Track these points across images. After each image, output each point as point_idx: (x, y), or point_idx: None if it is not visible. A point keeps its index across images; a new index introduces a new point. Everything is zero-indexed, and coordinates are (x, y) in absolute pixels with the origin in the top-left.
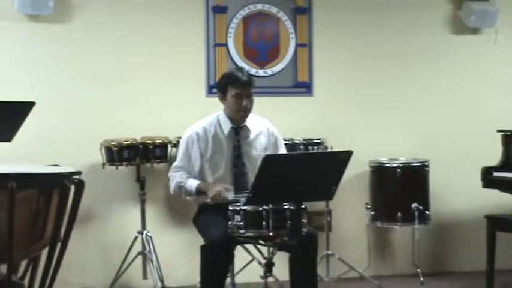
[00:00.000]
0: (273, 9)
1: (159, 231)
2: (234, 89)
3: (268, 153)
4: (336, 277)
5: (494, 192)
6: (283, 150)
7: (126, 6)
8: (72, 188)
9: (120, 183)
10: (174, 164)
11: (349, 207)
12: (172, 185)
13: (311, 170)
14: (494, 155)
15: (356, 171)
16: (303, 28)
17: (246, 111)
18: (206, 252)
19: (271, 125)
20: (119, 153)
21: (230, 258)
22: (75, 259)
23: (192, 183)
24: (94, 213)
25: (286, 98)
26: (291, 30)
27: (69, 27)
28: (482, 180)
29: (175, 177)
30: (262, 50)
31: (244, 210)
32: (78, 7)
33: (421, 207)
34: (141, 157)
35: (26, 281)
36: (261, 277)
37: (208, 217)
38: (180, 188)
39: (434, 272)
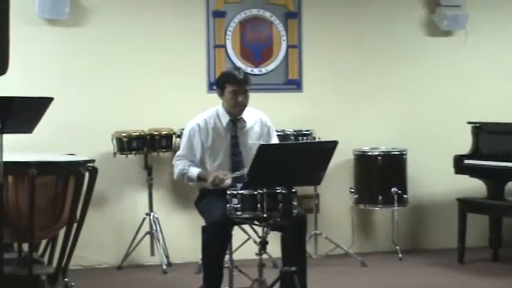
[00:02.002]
0: (267, 14)
1: (165, 213)
2: (231, 86)
3: (262, 142)
4: (323, 254)
5: (465, 178)
6: (275, 140)
7: (135, 11)
8: (87, 174)
9: (129, 170)
10: (178, 153)
11: (335, 191)
12: (176, 171)
13: (301, 158)
14: (465, 145)
15: (341, 159)
16: (294, 31)
17: (242, 106)
18: (207, 232)
19: (265, 116)
20: (129, 143)
21: (228, 238)
22: (89, 238)
23: (194, 171)
24: (106, 197)
25: (279, 94)
26: (283, 32)
27: (84, 30)
28: (454, 167)
29: (179, 165)
30: (257, 51)
31: (241, 194)
32: (91, 12)
33: (399, 191)
34: (148, 147)
35: (45, 258)
36: (256, 254)
37: (208, 200)
38: (183, 174)
39: (412, 249)
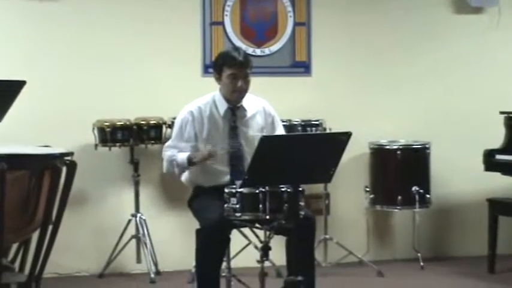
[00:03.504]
0: None
1: (153, 214)
2: (229, 70)
3: (264, 133)
4: (334, 262)
5: (497, 176)
6: (280, 130)
7: None
8: (64, 169)
9: (113, 164)
10: (167, 143)
11: (348, 191)
12: (165, 162)
13: (309, 151)
14: (496, 138)
15: (355, 153)
16: (301, 6)
17: (242, 92)
18: (202, 236)
19: (268, 104)
20: (112, 134)
21: (226, 242)
22: (67, 242)
23: (183, 155)
24: (86, 195)
25: (284, 78)
26: (289, 8)
27: (60, 5)
28: (484, 163)
29: (167, 153)
30: (260, 29)
31: (240, 192)
32: None
33: (421, 191)
34: (135, 138)
35: (16, 265)
36: (258, 261)
37: (203, 200)
38: (172, 162)
39: (435, 257)
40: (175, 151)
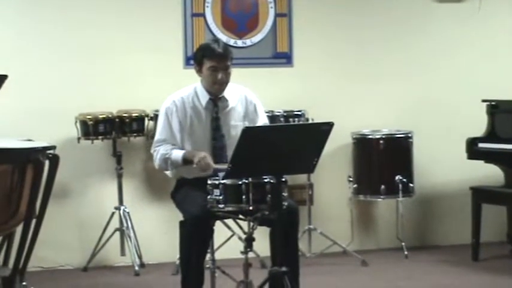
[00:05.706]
0: None
1: (136, 206)
2: (209, 62)
3: (247, 121)
4: (318, 252)
5: (480, 164)
6: (263, 118)
7: None
8: (47, 163)
9: (96, 157)
10: (156, 138)
11: (332, 181)
12: (157, 159)
13: (291, 142)
14: (479, 126)
15: (338, 143)
16: None
17: (222, 84)
18: (185, 228)
19: (250, 92)
20: (95, 127)
21: (210, 234)
22: (50, 236)
23: (178, 153)
24: (69, 189)
25: (266, 69)
26: None
27: None
28: (467, 151)
29: (159, 150)
30: (241, 20)
31: (223, 184)
32: None
33: (404, 180)
34: (117, 131)
35: (0, 259)
36: (242, 252)
37: (187, 191)
38: (166, 160)
39: (419, 246)
40: (168, 147)
